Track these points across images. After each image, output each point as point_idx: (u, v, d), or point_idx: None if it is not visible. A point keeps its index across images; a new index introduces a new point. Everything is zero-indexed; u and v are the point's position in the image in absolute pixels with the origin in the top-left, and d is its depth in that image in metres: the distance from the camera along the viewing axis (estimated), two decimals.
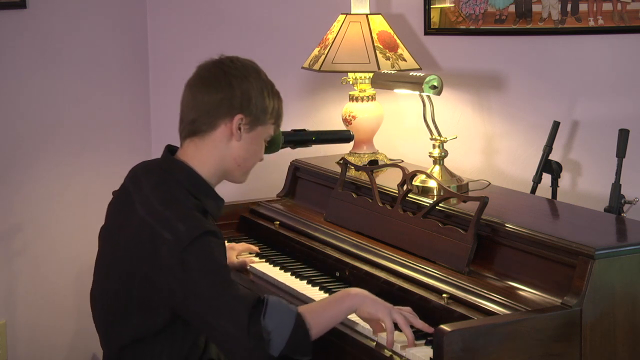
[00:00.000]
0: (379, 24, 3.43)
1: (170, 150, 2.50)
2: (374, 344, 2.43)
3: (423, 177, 2.95)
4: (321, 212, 3.21)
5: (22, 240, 3.79)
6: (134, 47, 4.04)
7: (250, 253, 3.10)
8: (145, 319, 2.35)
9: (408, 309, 2.41)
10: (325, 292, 2.75)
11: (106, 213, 2.55)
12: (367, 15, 3.41)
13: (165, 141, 2.57)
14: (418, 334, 2.41)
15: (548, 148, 3.05)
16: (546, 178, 3.06)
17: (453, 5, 3.44)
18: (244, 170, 2.48)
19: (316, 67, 3.41)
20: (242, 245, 3.07)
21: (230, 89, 2.39)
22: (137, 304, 2.35)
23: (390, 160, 3.43)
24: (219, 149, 2.42)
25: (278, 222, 3.26)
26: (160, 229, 2.30)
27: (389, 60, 3.35)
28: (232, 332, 2.23)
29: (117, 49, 3.99)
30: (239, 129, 2.41)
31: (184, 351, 2.39)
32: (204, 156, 2.42)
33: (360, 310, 2.38)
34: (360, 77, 3.44)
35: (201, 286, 2.26)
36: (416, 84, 2.97)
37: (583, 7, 3.09)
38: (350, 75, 3.45)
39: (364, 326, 2.49)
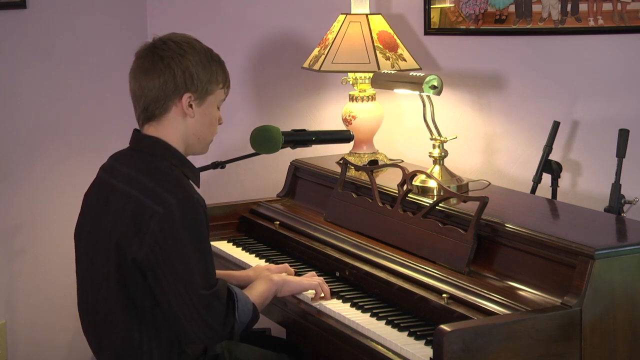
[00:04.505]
0: (379, 24, 3.43)
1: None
2: (374, 344, 2.43)
3: (423, 177, 2.95)
4: (321, 212, 3.21)
5: (22, 240, 3.79)
6: (134, 46, 3.99)
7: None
8: (129, 309, 2.38)
9: (312, 273, 2.80)
10: None
11: (80, 212, 2.57)
12: (367, 15, 3.41)
13: None
14: (418, 334, 2.42)
15: (548, 148, 3.05)
16: (546, 178, 3.06)
17: (453, 5, 3.44)
18: (204, 142, 2.54)
19: (316, 67, 3.41)
20: (280, 268, 2.87)
21: (170, 71, 2.43)
22: (120, 293, 2.37)
23: (390, 160, 3.43)
24: (177, 128, 2.48)
25: (278, 222, 3.26)
26: (147, 200, 2.34)
27: (389, 60, 3.35)
28: (208, 321, 2.35)
29: (117, 48, 3.98)
30: (190, 106, 2.46)
31: (172, 337, 2.43)
32: (167, 136, 2.47)
33: (282, 292, 2.68)
34: (360, 77, 3.44)
35: (183, 260, 2.32)
36: (416, 84, 2.97)
37: (583, 7, 3.09)
38: (350, 75, 3.45)
39: (364, 326, 2.49)
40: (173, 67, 2.43)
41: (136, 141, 2.51)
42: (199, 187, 2.51)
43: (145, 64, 2.46)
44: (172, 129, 2.47)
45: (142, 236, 2.32)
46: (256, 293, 2.57)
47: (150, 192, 2.35)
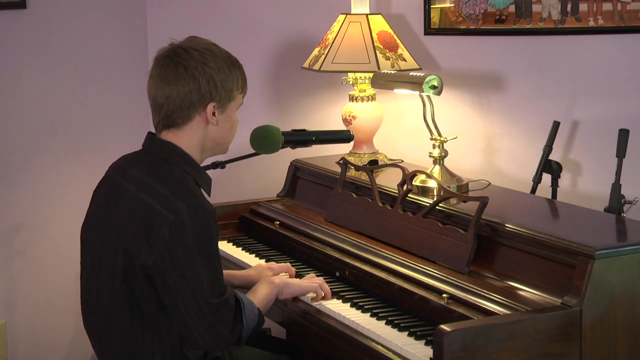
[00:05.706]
0: (379, 24, 3.43)
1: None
2: (374, 344, 2.43)
3: (423, 177, 2.95)
4: (321, 212, 3.21)
5: (22, 240, 3.79)
6: (133, 46, 4.04)
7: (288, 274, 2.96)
8: (132, 311, 2.38)
9: (311, 275, 2.80)
10: None
11: (88, 209, 2.56)
12: (367, 15, 3.41)
13: None
14: (418, 334, 2.42)
15: (548, 148, 3.05)
16: (546, 178, 3.06)
17: (453, 5, 3.44)
18: (225, 145, 2.55)
19: (316, 67, 3.41)
20: (281, 267, 2.88)
21: (194, 81, 2.42)
22: (124, 294, 2.37)
23: (390, 160, 3.43)
24: (197, 135, 2.47)
25: (278, 222, 3.26)
26: (158, 206, 2.33)
27: (389, 60, 3.35)
28: (217, 327, 2.35)
29: (117, 48, 3.99)
30: (214, 114, 2.46)
31: (174, 340, 2.42)
32: (185, 143, 2.46)
33: (282, 295, 2.68)
34: (360, 77, 3.44)
35: (192, 267, 2.32)
36: (416, 84, 2.97)
37: (583, 7, 3.09)
38: (350, 75, 3.45)
39: (364, 326, 2.49)
40: (197, 77, 2.41)
41: (150, 145, 2.49)
42: (209, 196, 2.51)
43: (167, 72, 2.43)
44: (191, 137, 2.46)
45: (152, 242, 2.31)
46: (259, 297, 2.57)
47: (162, 198, 2.34)
